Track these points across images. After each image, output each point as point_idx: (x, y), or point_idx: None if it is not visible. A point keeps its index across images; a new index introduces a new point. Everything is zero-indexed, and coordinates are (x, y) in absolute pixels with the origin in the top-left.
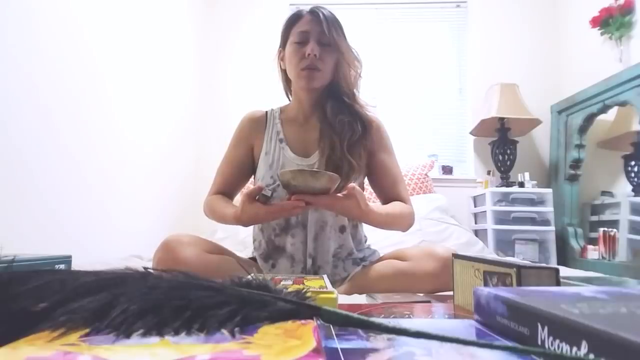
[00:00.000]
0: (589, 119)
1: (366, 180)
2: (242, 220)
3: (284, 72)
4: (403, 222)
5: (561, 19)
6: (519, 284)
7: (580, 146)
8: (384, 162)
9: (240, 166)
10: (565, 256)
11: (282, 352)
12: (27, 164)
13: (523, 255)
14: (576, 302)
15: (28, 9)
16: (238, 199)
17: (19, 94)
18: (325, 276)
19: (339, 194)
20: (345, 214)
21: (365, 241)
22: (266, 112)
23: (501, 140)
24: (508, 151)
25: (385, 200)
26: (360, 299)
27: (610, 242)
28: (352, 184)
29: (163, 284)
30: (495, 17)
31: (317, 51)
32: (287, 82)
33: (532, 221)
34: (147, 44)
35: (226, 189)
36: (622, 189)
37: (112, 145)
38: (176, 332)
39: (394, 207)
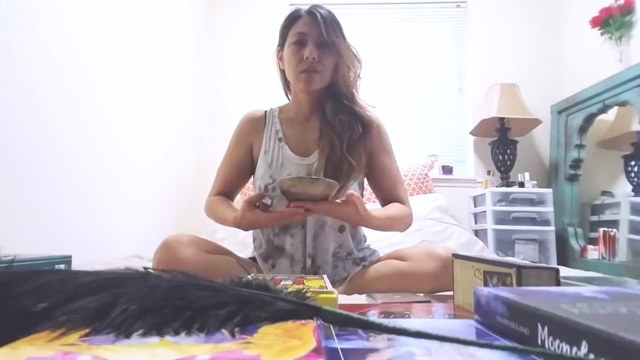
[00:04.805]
0: (589, 119)
1: (365, 180)
2: (241, 224)
3: (282, 72)
4: (401, 224)
5: (561, 19)
6: (519, 284)
7: (580, 146)
8: (384, 163)
9: (240, 166)
10: (565, 256)
11: (282, 352)
12: (27, 164)
13: (523, 255)
14: (576, 302)
15: (28, 9)
16: (239, 198)
17: (19, 94)
18: (325, 276)
19: (338, 200)
20: (344, 220)
21: (365, 241)
22: (265, 111)
23: (501, 140)
24: (508, 151)
25: (384, 201)
26: (360, 299)
27: (610, 242)
28: (351, 191)
29: (163, 284)
30: (495, 17)
31: (315, 54)
32: (286, 82)
33: (532, 221)
34: (147, 43)
35: (227, 189)
36: (622, 189)
37: (112, 145)
38: (176, 332)
39: (393, 209)
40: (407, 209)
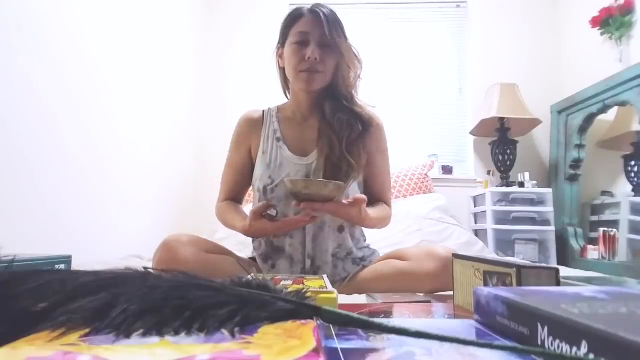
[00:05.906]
0: (589, 119)
1: None
2: (250, 233)
3: (282, 70)
4: (384, 224)
5: (561, 19)
6: (519, 284)
7: (580, 146)
8: (378, 164)
9: (243, 169)
10: (565, 256)
11: (282, 352)
12: (28, 164)
13: (523, 255)
14: (576, 302)
15: (29, 10)
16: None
17: (19, 94)
18: (325, 276)
19: (344, 201)
20: (347, 220)
21: (365, 240)
22: (263, 111)
23: (501, 140)
24: (508, 151)
25: (370, 200)
26: (360, 299)
27: (610, 242)
28: (359, 196)
29: (163, 284)
30: (495, 17)
31: (317, 54)
32: (285, 80)
33: (532, 221)
34: (147, 43)
35: (233, 194)
36: (622, 189)
37: (112, 146)
38: (176, 332)
39: (382, 211)
40: (390, 211)
